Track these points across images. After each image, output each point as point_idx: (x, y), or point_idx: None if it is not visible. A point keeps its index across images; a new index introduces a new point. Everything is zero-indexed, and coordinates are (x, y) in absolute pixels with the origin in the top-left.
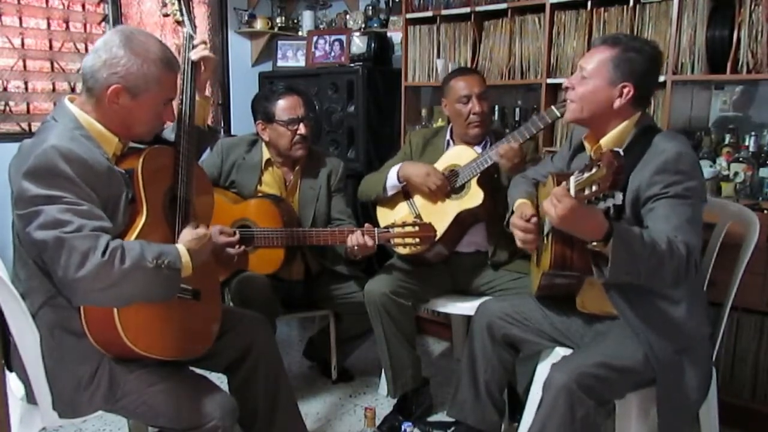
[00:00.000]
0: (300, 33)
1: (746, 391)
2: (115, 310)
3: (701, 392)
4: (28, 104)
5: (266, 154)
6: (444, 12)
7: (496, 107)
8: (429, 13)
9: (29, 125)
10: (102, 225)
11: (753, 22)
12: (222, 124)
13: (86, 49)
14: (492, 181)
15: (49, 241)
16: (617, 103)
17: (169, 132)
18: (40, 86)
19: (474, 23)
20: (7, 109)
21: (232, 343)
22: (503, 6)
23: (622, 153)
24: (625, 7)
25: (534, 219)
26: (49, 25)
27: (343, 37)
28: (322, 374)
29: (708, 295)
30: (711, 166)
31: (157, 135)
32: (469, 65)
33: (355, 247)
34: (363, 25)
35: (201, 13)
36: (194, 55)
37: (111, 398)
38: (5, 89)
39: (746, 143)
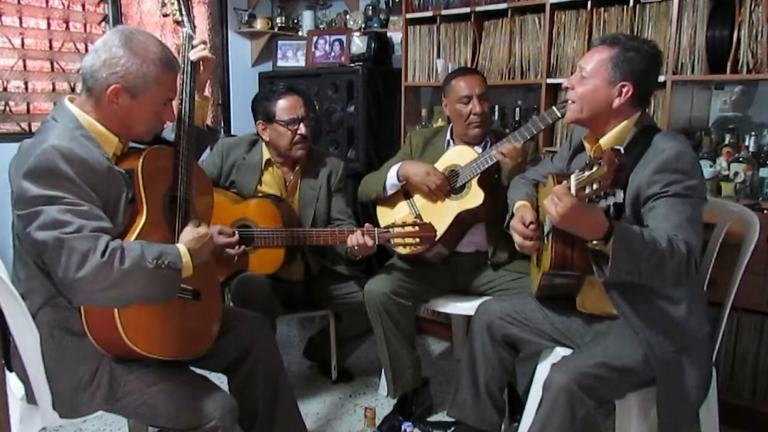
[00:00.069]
0: (300, 33)
1: (746, 391)
2: (116, 310)
3: (701, 392)
4: (28, 104)
5: (266, 154)
6: (444, 12)
7: (496, 107)
8: (429, 13)
9: (29, 125)
10: (102, 225)
11: (753, 22)
12: (222, 124)
13: (86, 49)
14: (492, 181)
15: (49, 242)
16: (617, 102)
17: (168, 132)
18: (40, 86)
19: (474, 23)
20: (7, 109)
21: (232, 343)
22: (503, 6)
23: (622, 151)
24: (625, 7)
25: (533, 225)
26: (49, 25)
27: (343, 37)
28: (322, 374)
29: (708, 295)
30: (711, 166)
31: (157, 135)
32: (469, 65)
33: (355, 247)
34: (363, 25)
35: (201, 13)
36: (193, 55)
37: (111, 398)
38: (5, 89)
39: (746, 143)
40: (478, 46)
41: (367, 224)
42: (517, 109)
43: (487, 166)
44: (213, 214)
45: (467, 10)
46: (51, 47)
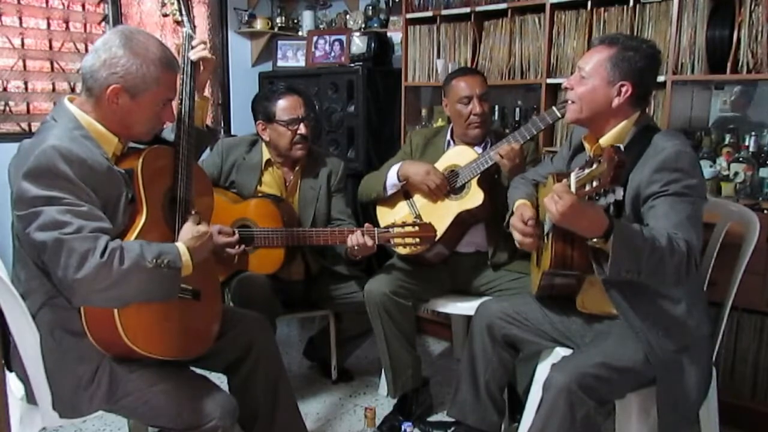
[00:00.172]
0: (300, 33)
1: (746, 391)
2: (116, 310)
3: (701, 392)
4: (28, 104)
5: (266, 154)
6: (444, 12)
7: (496, 107)
8: (429, 13)
9: (29, 125)
10: (101, 226)
11: (753, 22)
12: (222, 124)
13: (86, 49)
14: (492, 181)
15: (49, 242)
16: (616, 102)
17: (168, 132)
18: (40, 86)
19: (474, 23)
20: (7, 109)
21: (232, 343)
22: (503, 6)
23: (622, 148)
24: (625, 7)
25: (532, 222)
26: (49, 25)
27: (343, 37)
28: (322, 374)
29: (708, 295)
30: (711, 166)
31: (156, 135)
32: (469, 65)
33: (355, 247)
34: (363, 25)
35: (201, 13)
36: (193, 55)
37: (111, 398)
38: (5, 89)
39: (746, 143)
40: (478, 46)
41: (367, 224)
42: (517, 109)
43: (486, 166)
44: (213, 214)
45: (467, 10)
46: (51, 47)
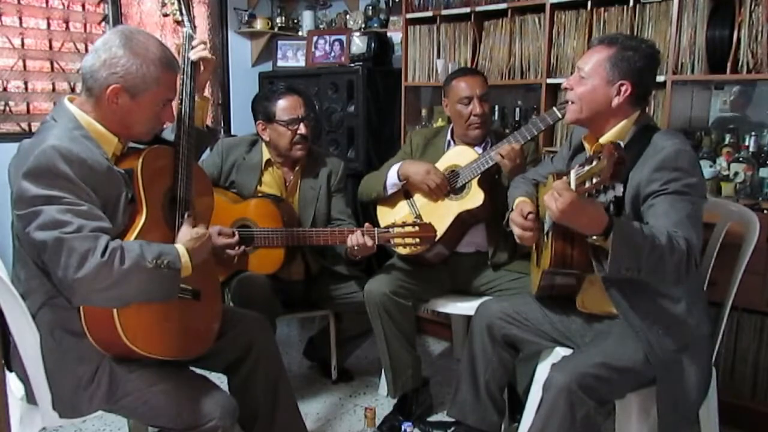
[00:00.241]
0: (300, 33)
1: (746, 391)
2: (115, 310)
3: (701, 392)
4: (28, 104)
5: (266, 154)
6: (444, 12)
7: (496, 107)
8: (429, 13)
9: (29, 125)
10: (101, 225)
11: (753, 22)
12: (222, 124)
13: (86, 49)
14: (492, 182)
15: (49, 242)
16: (615, 101)
17: (168, 132)
18: (40, 86)
19: (474, 23)
20: (7, 109)
21: (232, 343)
22: (503, 6)
23: (622, 145)
24: (625, 7)
25: (531, 216)
26: (49, 25)
27: (343, 37)
28: (322, 374)
29: (708, 294)
30: (711, 166)
31: (156, 135)
32: (469, 65)
33: (355, 247)
34: (363, 25)
35: (201, 13)
36: (193, 55)
37: (111, 398)
38: (5, 89)
39: (746, 143)
40: (478, 46)
41: (367, 224)
42: (517, 110)
43: (487, 166)
44: (213, 214)
45: (467, 10)
46: (51, 47)
